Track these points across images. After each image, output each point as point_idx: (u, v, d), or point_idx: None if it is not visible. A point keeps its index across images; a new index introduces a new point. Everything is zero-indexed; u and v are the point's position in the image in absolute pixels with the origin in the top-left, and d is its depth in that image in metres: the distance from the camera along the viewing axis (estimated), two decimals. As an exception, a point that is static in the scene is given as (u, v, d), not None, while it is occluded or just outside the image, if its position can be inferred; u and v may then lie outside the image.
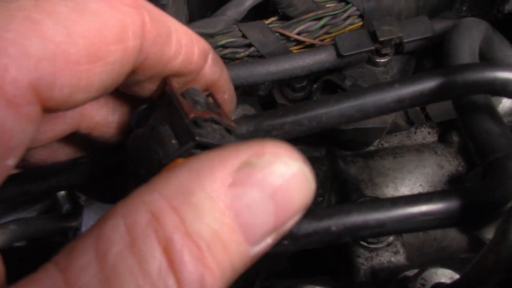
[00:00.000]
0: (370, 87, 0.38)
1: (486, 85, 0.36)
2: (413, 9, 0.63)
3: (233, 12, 0.62)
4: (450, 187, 0.67)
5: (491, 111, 0.41)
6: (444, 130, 0.74)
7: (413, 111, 0.65)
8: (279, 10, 0.65)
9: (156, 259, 0.21)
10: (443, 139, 0.73)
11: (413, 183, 0.68)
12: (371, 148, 0.74)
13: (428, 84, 0.37)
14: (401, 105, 0.38)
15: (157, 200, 0.22)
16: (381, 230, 0.36)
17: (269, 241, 0.25)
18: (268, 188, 0.24)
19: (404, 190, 0.68)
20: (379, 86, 0.38)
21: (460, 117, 0.42)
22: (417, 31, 0.57)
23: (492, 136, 0.38)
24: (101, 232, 0.22)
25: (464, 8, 0.57)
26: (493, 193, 0.35)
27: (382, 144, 0.75)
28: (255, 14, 0.67)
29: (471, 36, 0.48)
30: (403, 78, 0.39)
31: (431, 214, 0.35)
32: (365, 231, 0.36)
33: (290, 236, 0.33)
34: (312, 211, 0.37)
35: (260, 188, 0.24)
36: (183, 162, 0.25)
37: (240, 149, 0.25)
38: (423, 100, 0.38)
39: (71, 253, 0.21)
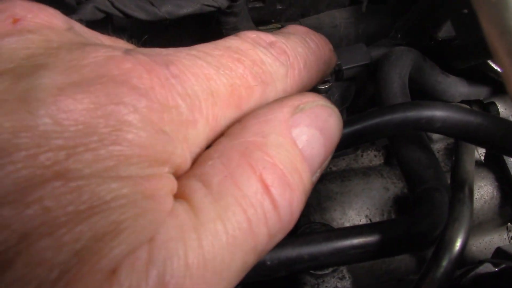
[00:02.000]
0: None
1: (413, 123, 0.37)
2: (353, 36, 0.65)
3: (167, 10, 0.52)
4: (395, 209, 0.68)
5: (421, 141, 0.42)
6: (389, 153, 0.75)
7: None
8: (224, 32, 0.64)
9: (253, 185, 0.25)
10: (388, 161, 0.74)
11: (360, 207, 0.69)
12: (320, 172, 0.74)
13: (360, 126, 0.38)
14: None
15: (242, 143, 0.27)
16: (314, 264, 0.36)
17: (319, 172, 0.30)
18: (318, 126, 0.29)
19: (352, 213, 0.68)
20: None
21: (392, 148, 0.43)
22: (355, 59, 0.58)
23: (421, 167, 0.39)
24: (203, 169, 0.26)
25: (399, 36, 0.59)
26: (420, 225, 0.36)
27: (330, 168, 0.75)
28: (200, 36, 0.67)
29: (401, 66, 0.49)
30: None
31: (362, 247, 0.35)
32: (299, 265, 0.36)
33: None
34: None
35: (312, 126, 0.29)
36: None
37: (288, 99, 0.30)
38: (356, 141, 0.39)
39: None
